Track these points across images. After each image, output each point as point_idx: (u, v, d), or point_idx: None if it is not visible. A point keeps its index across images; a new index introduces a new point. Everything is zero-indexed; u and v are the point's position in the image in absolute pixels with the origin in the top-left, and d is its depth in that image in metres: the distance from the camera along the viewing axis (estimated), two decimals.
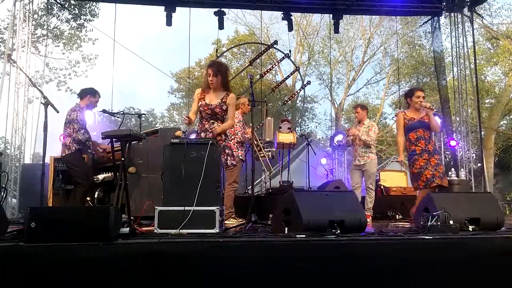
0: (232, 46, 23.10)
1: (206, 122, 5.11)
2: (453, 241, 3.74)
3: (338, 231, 3.79)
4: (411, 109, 5.97)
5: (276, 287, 3.20)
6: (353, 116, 7.61)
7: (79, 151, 5.83)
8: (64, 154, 5.88)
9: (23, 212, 8.49)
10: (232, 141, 6.26)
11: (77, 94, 6.22)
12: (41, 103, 4.89)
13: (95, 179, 5.93)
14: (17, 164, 9.71)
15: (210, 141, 4.35)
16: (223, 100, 5.10)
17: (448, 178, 9.45)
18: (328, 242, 3.51)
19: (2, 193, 8.37)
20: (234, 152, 5.81)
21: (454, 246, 3.63)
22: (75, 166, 5.88)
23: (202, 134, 5.10)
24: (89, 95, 6.08)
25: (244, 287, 3.19)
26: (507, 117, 24.03)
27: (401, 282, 3.34)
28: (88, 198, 5.78)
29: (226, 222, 5.79)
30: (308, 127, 26.54)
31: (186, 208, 4.03)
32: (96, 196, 5.95)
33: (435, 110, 5.98)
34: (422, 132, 5.83)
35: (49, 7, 15.33)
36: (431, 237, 3.66)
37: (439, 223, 4.09)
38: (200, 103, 5.15)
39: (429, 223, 4.08)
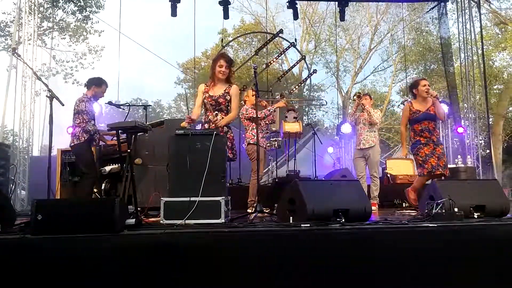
0: (238, 35, 23.00)
1: (210, 113, 5.15)
2: (458, 228, 3.73)
3: (343, 220, 3.80)
4: (417, 99, 6.02)
5: (281, 276, 3.23)
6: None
7: (88, 142, 5.81)
8: (73, 144, 5.83)
9: None
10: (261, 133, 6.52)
11: (85, 84, 6.21)
12: (46, 96, 4.91)
13: (102, 171, 5.97)
14: (25, 157, 9.79)
15: (215, 132, 4.36)
16: (226, 90, 5.16)
17: (455, 165, 9.43)
18: (333, 231, 3.52)
19: (11, 186, 8.50)
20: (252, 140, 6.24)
21: (459, 234, 3.63)
22: (83, 157, 5.86)
23: (206, 125, 5.15)
24: (94, 85, 6.01)
25: (250, 276, 3.22)
26: None
27: (405, 270, 3.36)
28: (95, 190, 5.81)
29: (248, 210, 5.83)
30: (315, 116, 26.49)
31: (192, 198, 4.05)
32: (103, 187, 6.00)
33: (440, 100, 6.01)
34: (426, 123, 5.93)
35: None
36: (435, 225, 3.66)
37: (444, 211, 4.08)
38: (204, 95, 5.20)
39: (434, 211, 4.08)
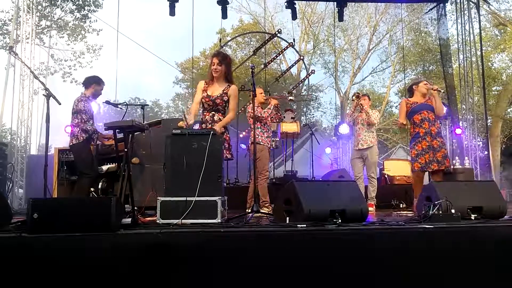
0: (236, 35, 22.99)
1: (207, 113, 5.13)
2: (454, 229, 3.72)
3: (339, 221, 3.79)
4: (415, 95, 6.02)
5: (277, 276, 3.22)
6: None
7: (87, 141, 5.84)
8: (72, 144, 5.87)
9: None
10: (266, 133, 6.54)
11: (82, 83, 6.21)
12: (43, 95, 4.91)
13: (99, 170, 5.96)
14: (23, 155, 9.77)
15: (212, 132, 4.35)
16: (225, 91, 5.10)
17: (452, 167, 9.42)
18: (329, 231, 3.51)
19: (9, 184, 8.49)
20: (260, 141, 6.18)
21: (455, 235, 3.62)
22: (82, 157, 5.88)
23: (203, 125, 5.13)
24: (94, 83, 6.06)
25: (245, 276, 3.21)
26: None
27: (402, 271, 3.36)
28: (92, 189, 5.80)
29: (261, 211, 5.69)
30: (313, 116, 26.50)
31: (188, 198, 4.04)
32: (99, 186, 5.98)
33: (442, 91, 6.04)
34: (426, 113, 5.85)
35: None
36: (432, 226, 3.65)
37: (441, 212, 4.07)
38: (202, 94, 5.17)
39: (430, 212, 4.07)
